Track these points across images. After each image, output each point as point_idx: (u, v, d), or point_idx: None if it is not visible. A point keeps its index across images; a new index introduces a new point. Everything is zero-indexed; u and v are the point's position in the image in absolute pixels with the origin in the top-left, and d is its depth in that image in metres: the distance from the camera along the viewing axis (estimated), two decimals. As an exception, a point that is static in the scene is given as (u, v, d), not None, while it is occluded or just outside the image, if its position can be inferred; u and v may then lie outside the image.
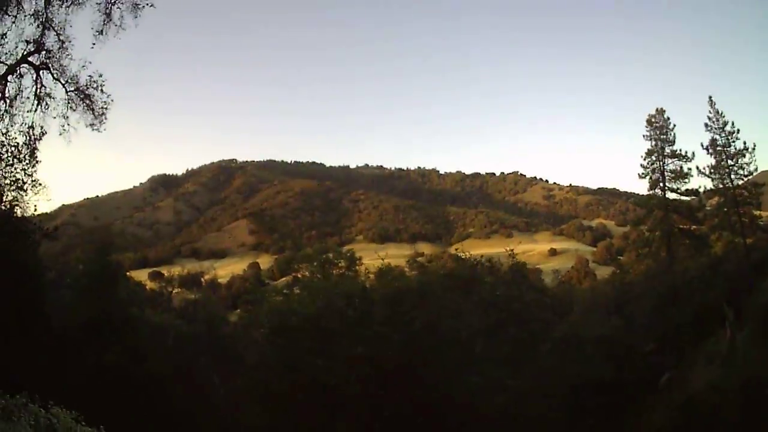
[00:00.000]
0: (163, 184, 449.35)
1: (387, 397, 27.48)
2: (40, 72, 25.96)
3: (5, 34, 24.40)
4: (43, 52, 25.59)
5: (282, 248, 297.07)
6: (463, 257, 43.75)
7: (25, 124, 25.05)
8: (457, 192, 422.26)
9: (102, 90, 26.64)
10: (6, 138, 24.70)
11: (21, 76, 25.43)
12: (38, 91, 25.87)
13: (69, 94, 26.38)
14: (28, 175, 24.73)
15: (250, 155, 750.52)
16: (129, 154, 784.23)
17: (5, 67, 24.68)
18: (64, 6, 26.04)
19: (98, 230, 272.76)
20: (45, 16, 25.80)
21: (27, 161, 24.59)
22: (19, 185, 24.51)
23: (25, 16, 24.91)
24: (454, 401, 27.58)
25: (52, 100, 26.13)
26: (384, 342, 28.12)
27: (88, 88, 26.42)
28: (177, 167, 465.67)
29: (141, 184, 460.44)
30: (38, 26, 25.17)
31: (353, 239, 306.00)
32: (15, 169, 24.34)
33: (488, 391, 28.60)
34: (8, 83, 25.07)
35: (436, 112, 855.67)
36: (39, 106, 25.69)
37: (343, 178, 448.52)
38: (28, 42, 24.87)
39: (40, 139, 24.93)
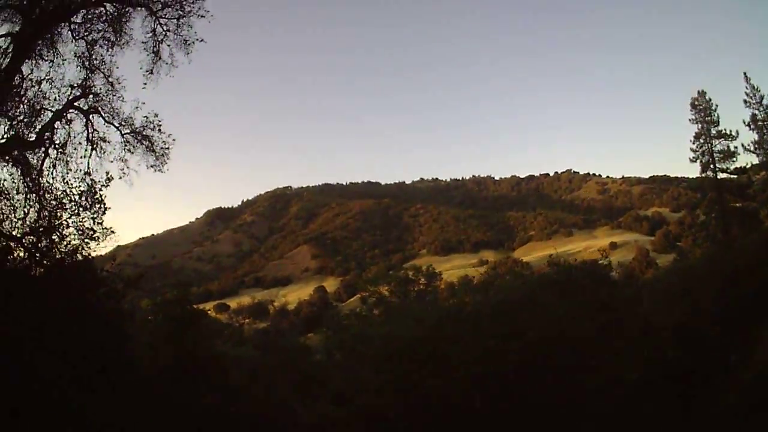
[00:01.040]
0: (219, 217, 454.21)
1: (510, 409, 26.91)
2: (90, 116, 25.68)
3: (45, 80, 23.85)
4: (91, 96, 25.37)
5: (346, 270, 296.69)
6: (557, 261, 42.33)
7: (80, 170, 24.45)
8: (514, 196, 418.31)
9: (160, 130, 26.49)
10: (68, 186, 23.62)
11: (69, 121, 25.03)
12: (90, 135, 25.62)
13: (125, 137, 26.25)
14: (98, 223, 23.31)
15: (304, 181, 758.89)
16: (181, 190, 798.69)
17: (50, 114, 24.08)
18: (109, 48, 25.73)
19: (159, 267, 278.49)
20: (89, 59, 25.36)
21: (96, 208, 23.24)
22: (89, 234, 23.03)
23: (63, 60, 24.67)
24: (573, 403, 27.06)
25: (107, 144, 25.96)
26: (500, 356, 27.20)
27: (144, 129, 26.31)
28: (232, 200, 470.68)
29: (197, 219, 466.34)
30: (81, 69, 25.00)
31: (417, 254, 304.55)
32: (82, 218, 23.05)
33: (601, 389, 28.06)
34: (56, 129, 24.54)
35: (486, 119, 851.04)
36: (93, 151, 25.48)
37: (399, 194, 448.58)
38: (72, 86, 24.61)
39: (107, 185, 23.81)
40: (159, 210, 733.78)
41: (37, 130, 23.68)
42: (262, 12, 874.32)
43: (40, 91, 23.55)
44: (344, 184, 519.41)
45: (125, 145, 26.23)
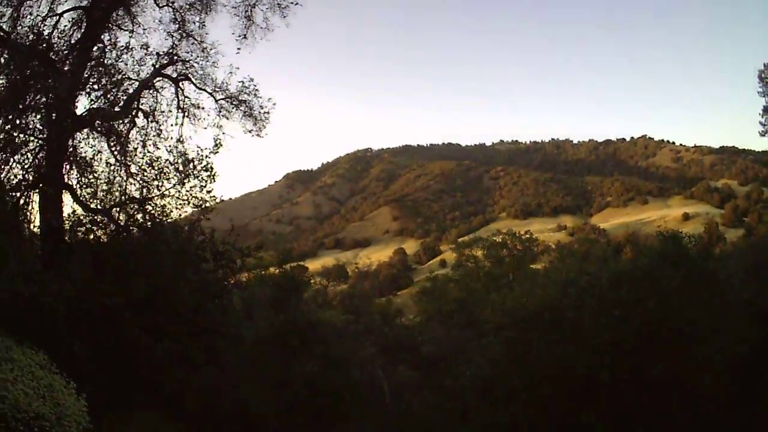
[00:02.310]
0: (299, 179, 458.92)
1: (630, 380, 26.07)
2: (180, 83, 25.18)
3: (126, 48, 23.22)
4: (180, 63, 24.78)
5: (426, 231, 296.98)
6: (666, 234, 40.52)
7: (172, 138, 23.92)
8: (592, 161, 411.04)
9: (257, 95, 25.82)
10: (168, 154, 23.11)
11: (157, 90, 24.42)
12: (180, 103, 25.18)
13: (219, 102, 25.69)
14: (208, 191, 22.60)
15: (384, 143, 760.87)
16: (259, 153, 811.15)
17: (136, 83, 23.40)
18: (197, 14, 25.27)
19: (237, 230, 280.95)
20: (181, 24, 24.94)
21: (204, 176, 22.49)
22: (198, 203, 22.53)
23: (145, 29, 24.29)
24: (687, 376, 26.26)
25: (201, 110, 25.51)
26: (622, 325, 26.36)
27: (240, 94, 25.66)
28: (311, 163, 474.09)
29: (276, 182, 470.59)
30: (167, 37, 24.51)
31: (497, 217, 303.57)
32: (191, 186, 22.35)
33: (711, 365, 26.73)
34: (142, 98, 23.92)
35: (566, 80, 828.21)
36: (185, 119, 25.10)
37: (480, 156, 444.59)
38: (159, 54, 23.92)
39: (216, 152, 23.24)
40: (236, 174, 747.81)
41: (122, 100, 22.94)
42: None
43: (121, 60, 22.96)
44: (425, 145, 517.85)
45: (220, 111, 25.71)
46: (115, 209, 22.17)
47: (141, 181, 22.50)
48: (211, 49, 25.31)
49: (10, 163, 20.52)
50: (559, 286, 30.34)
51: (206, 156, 22.67)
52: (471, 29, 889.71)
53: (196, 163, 22.45)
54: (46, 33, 22.24)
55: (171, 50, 24.25)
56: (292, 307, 32.45)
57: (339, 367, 34.37)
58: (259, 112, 25.92)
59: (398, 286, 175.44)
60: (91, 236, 21.41)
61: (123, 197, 22.33)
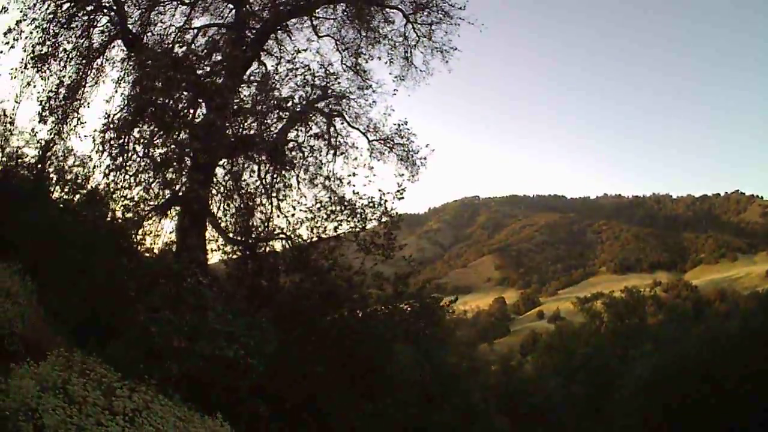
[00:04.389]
0: (405, 222, 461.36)
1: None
2: (333, 119, 23.63)
3: (286, 76, 21.59)
4: (332, 98, 23.17)
5: (528, 282, 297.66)
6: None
7: (320, 176, 22.60)
8: (689, 216, 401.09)
9: (410, 140, 24.15)
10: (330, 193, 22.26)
11: (309, 124, 22.75)
12: (332, 139, 23.68)
13: (372, 144, 24.19)
14: (390, 235, 22.36)
15: (492, 191, 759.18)
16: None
17: (286, 115, 21.76)
18: (356, 51, 24.75)
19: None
20: (345, 51, 24.40)
21: (384, 220, 22.19)
22: (383, 251, 22.20)
23: (293, 57, 22.51)
24: None
25: (355, 149, 24.10)
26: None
27: (395, 136, 24.09)
28: (419, 206, 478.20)
29: (381, 222, 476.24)
30: (320, 68, 22.67)
31: (597, 271, 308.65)
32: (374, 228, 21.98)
33: None
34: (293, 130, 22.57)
35: (669, 132, 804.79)
36: (335, 157, 23.55)
37: (584, 210, 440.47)
38: (313, 86, 21.99)
39: (402, 197, 22.28)
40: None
41: (274, 129, 21.45)
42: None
43: (276, 89, 21.30)
44: (531, 196, 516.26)
45: (372, 152, 24.15)
46: (259, 243, 21.27)
47: (290, 216, 21.65)
48: (367, 87, 24.16)
49: (157, 180, 19.95)
50: (702, 342, 30.91)
51: (385, 201, 21.74)
52: (573, 85, 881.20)
53: (375, 205, 21.62)
54: (181, 45, 22.00)
55: (326, 83, 22.50)
56: (437, 357, 30.39)
57: (478, 419, 33.88)
58: (417, 158, 24.26)
59: (495, 334, 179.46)
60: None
61: (265, 230, 21.56)
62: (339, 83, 23.14)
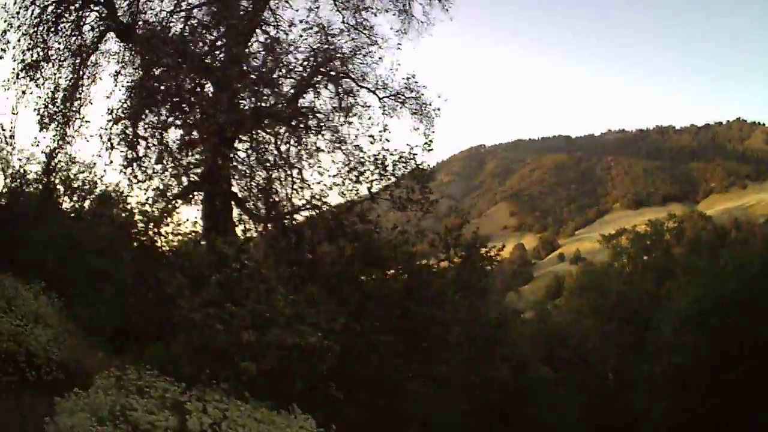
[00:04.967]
0: (414, 178, 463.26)
1: None
2: (340, 81, 22.90)
3: (289, 47, 21.27)
4: (337, 60, 22.48)
5: (544, 226, 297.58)
6: None
7: (340, 140, 22.16)
8: (694, 147, 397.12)
9: (420, 92, 23.63)
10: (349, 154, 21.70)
11: (316, 89, 22.38)
12: (342, 101, 22.97)
13: (383, 101, 23.67)
14: (425, 190, 21.63)
15: (496, 139, 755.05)
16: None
17: (292, 82, 21.43)
18: (355, 10, 23.92)
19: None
20: (352, 17, 23.82)
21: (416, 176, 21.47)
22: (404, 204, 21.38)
23: (291, 25, 21.91)
24: None
25: (367, 108, 23.32)
26: None
27: (405, 91, 23.56)
28: (426, 160, 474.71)
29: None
30: (322, 34, 21.97)
31: (611, 208, 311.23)
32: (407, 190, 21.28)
33: None
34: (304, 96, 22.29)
35: (663, 64, 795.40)
36: (346, 118, 22.67)
37: (590, 147, 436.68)
38: (316, 51, 21.48)
39: (430, 149, 22.32)
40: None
41: (282, 100, 20.99)
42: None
43: (279, 59, 20.86)
44: (536, 138, 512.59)
45: (384, 109, 23.60)
46: (289, 216, 20.89)
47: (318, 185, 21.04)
48: (372, 44, 23.58)
49: (180, 165, 19.68)
50: (748, 273, 29.90)
51: (414, 155, 21.32)
52: (569, 27, 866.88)
53: (406, 160, 21.23)
54: (173, 29, 21.26)
55: (329, 46, 21.89)
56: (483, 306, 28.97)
57: (527, 369, 34.09)
58: (430, 109, 23.62)
59: (519, 281, 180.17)
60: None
61: (291, 202, 21.10)
62: (344, 43, 22.80)
